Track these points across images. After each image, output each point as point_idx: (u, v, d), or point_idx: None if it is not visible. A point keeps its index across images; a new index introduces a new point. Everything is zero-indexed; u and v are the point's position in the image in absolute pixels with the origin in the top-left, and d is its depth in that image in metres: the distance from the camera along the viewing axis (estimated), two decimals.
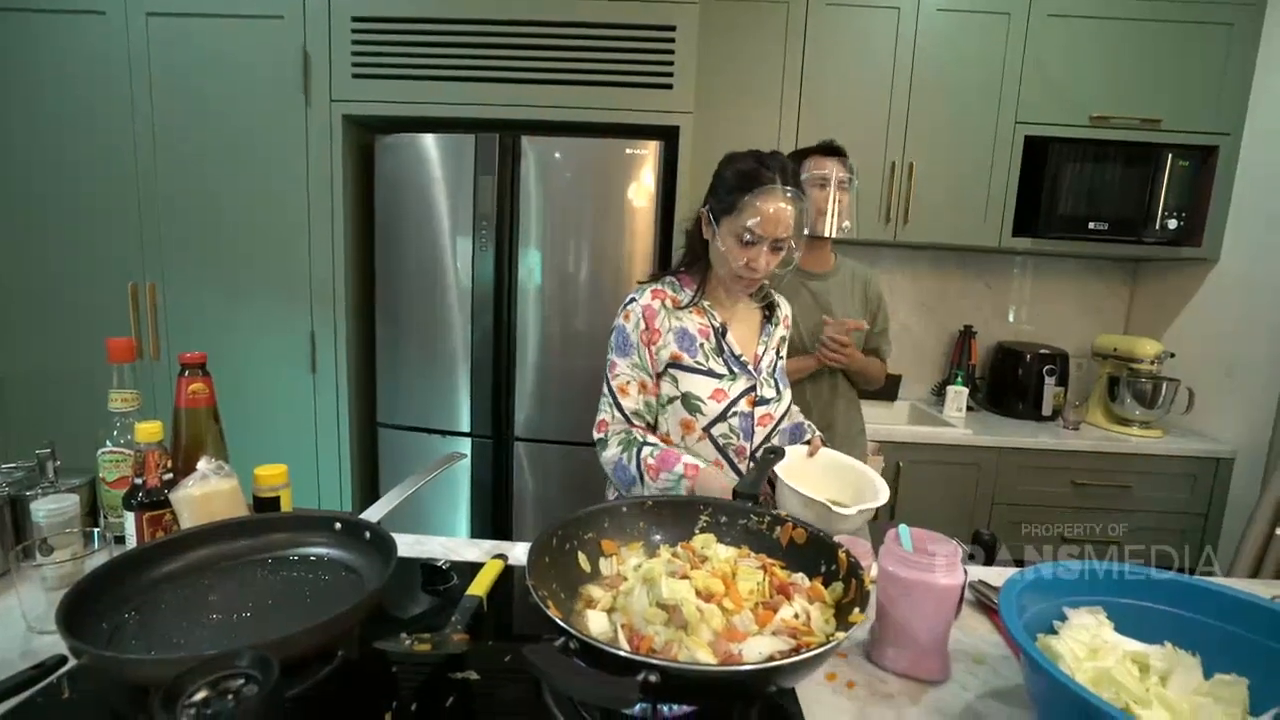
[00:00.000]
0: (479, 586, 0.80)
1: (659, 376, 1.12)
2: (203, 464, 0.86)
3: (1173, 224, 2.09)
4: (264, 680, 0.41)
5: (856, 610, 0.58)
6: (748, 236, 1.04)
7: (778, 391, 1.17)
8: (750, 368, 1.14)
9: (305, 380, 1.96)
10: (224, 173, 1.88)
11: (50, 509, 0.77)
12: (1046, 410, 2.29)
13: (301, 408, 1.97)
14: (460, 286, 1.88)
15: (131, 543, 0.82)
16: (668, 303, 1.13)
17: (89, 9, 1.79)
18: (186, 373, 0.92)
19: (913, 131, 2.14)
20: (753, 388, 1.13)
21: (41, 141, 1.88)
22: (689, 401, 1.10)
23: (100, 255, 1.91)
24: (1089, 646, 0.63)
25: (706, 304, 1.15)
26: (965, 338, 2.49)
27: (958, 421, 2.24)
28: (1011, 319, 2.58)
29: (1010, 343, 2.45)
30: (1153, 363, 2.16)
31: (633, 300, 1.14)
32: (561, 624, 0.55)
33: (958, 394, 2.33)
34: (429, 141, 1.83)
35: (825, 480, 1.01)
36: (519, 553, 0.96)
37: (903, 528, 0.78)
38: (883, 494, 0.94)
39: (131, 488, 0.84)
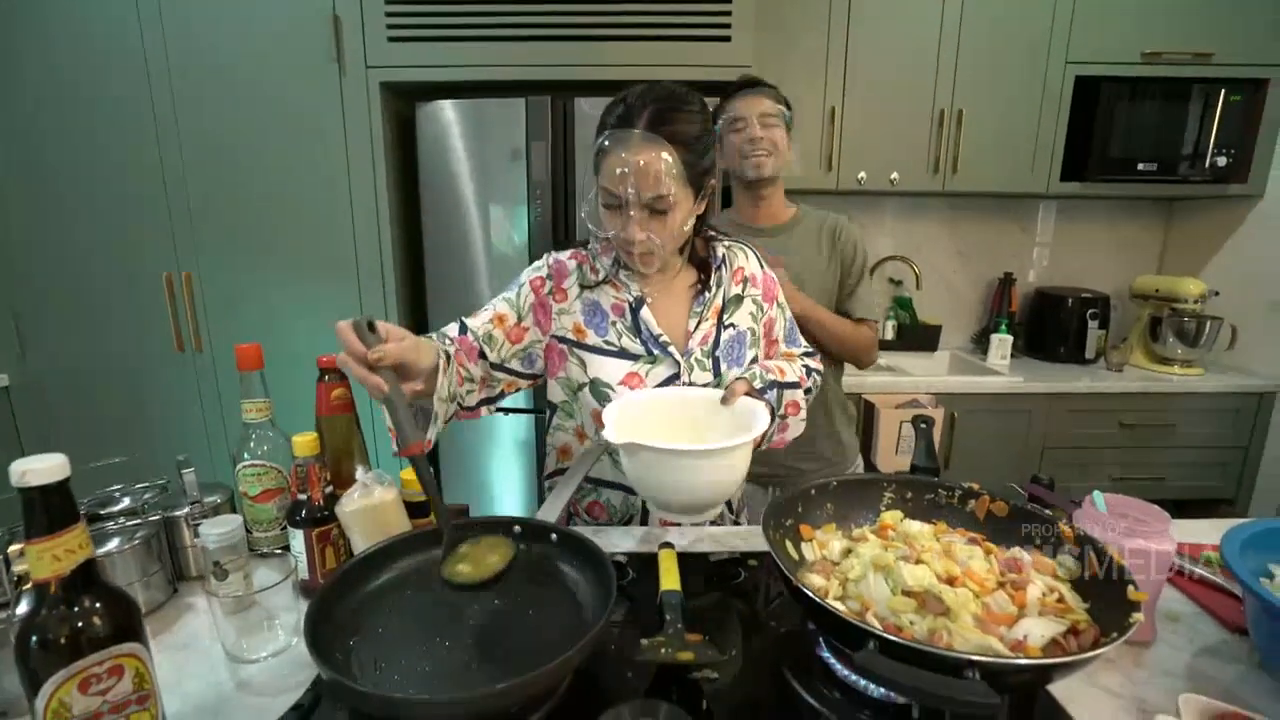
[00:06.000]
0: (670, 581, 0.78)
1: (557, 349, 0.95)
2: (361, 474, 0.82)
3: (1222, 161, 2.09)
4: None
5: (1131, 587, 0.58)
6: (607, 199, 0.85)
7: (718, 375, 0.94)
8: (674, 350, 0.93)
9: None
10: (256, 151, 1.76)
11: (220, 533, 0.73)
12: (1089, 354, 2.33)
13: (356, 394, 1.90)
14: (516, 256, 1.81)
15: (301, 559, 0.79)
16: (586, 270, 0.96)
17: None
18: (326, 378, 0.87)
19: (961, 77, 2.08)
20: (678, 374, 0.93)
21: (58, 126, 1.73)
22: (597, 389, 0.92)
23: (130, 246, 1.80)
24: None
25: (624, 276, 0.95)
26: (1005, 285, 2.49)
27: (1004, 369, 2.27)
28: (1044, 263, 2.59)
29: (1050, 288, 2.47)
30: (1196, 302, 2.19)
31: (548, 254, 0.99)
32: (879, 631, 0.53)
33: (1002, 342, 2.35)
34: (475, 107, 1.72)
35: (676, 426, 0.83)
36: (672, 538, 0.94)
37: (1097, 494, 0.78)
38: (761, 419, 0.80)
39: (294, 504, 0.79)
